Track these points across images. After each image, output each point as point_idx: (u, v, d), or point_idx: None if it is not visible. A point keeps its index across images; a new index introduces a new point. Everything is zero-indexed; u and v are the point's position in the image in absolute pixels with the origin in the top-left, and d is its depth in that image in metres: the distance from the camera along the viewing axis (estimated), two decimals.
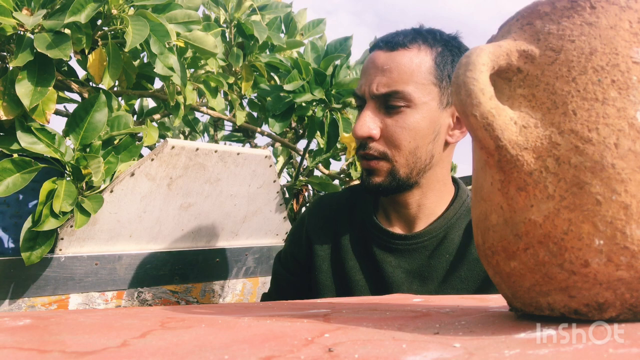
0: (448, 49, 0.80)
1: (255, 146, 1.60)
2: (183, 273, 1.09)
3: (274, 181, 1.16)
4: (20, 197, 0.89)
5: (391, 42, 0.79)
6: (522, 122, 0.32)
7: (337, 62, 1.26)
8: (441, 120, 0.79)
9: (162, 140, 1.06)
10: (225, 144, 1.62)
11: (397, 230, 0.85)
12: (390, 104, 0.77)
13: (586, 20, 0.32)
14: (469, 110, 0.31)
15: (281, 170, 1.51)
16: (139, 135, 1.13)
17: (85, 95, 1.00)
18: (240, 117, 1.28)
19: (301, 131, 1.45)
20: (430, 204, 0.83)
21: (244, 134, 1.63)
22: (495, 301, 0.51)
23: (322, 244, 0.90)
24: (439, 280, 0.80)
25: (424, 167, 0.79)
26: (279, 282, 0.98)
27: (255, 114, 1.46)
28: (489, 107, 0.31)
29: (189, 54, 1.12)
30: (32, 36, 0.82)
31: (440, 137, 0.79)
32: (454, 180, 0.88)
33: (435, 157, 0.80)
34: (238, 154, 1.04)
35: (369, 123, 0.77)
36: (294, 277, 0.94)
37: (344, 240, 0.88)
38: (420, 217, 0.83)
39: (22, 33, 0.83)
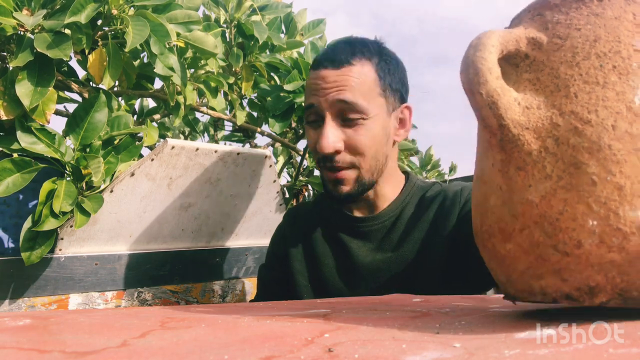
0: (383, 58, 0.89)
1: (255, 146, 1.60)
2: (183, 273, 1.09)
3: (274, 181, 1.16)
4: (20, 197, 0.89)
5: (335, 60, 0.85)
6: (526, 103, 0.33)
7: None
8: (389, 124, 0.89)
9: (162, 140, 1.06)
10: (225, 144, 1.62)
11: (359, 214, 0.94)
12: (347, 116, 0.84)
13: (593, 11, 0.33)
14: (475, 88, 0.32)
15: (281, 170, 1.51)
16: (139, 135, 1.13)
17: (85, 95, 1.00)
18: (241, 117, 1.28)
19: (301, 131, 1.45)
20: (385, 192, 0.93)
21: (244, 134, 1.63)
22: (495, 301, 0.51)
23: (296, 237, 1.00)
24: (394, 247, 0.90)
25: (381, 167, 0.90)
26: (263, 282, 1.05)
27: (255, 114, 1.45)
28: (494, 85, 0.32)
29: (189, 54, 1.12)
30: (32, 36, 0.82)
31: (390, 138, 0.90)
32: (404, 171, 0.99)
33: (388, 157, 0.90)
34: (238, 154, 1.04)
35: (333, 138, 0.84)
36: (279, 273, 1.01)
37: (315, 232, 0.98)
38: (377, 203, 0.93)
39: (22, 33, 0.83)
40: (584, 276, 0.31)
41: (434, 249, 0.87)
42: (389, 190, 0.93)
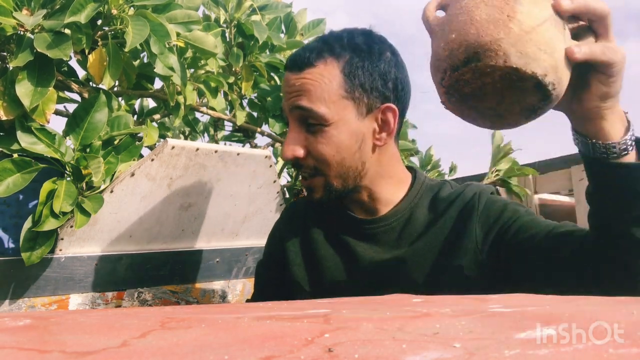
0: (357, 54, 0.81)
1: (255, 146, 1.60)
2: (183, 273, 1.09)
3: (274, 181, 1.16)
4: (20, 197, 0.89)
5: (298, 62, 0.81)
6: (440, 15, 0.64)
7: None
8: (363, 129, 0.82)
9: (162, 140, 1.06)
10: (225, 144, 1.62)
11: (363, 216, 0.89)
12: (308, 122, 0.81)
13: None
14: (424, 15, 0.65)
15: (281, 171, 1.51)
16: (139, 135, 1.13)
17: (85, 95, 1.00)
18: (241, 117, 1.28)
19: None
20: (384, 195, 0.88)
21: (244, 134, 1.63)
22: (496, 301, 0.51)
23: (294, 238, 0.94)
24: (405, 250, 0.84)
25: (357, 173, 0.84)
26: (260, 282, 1.01)
27: (255, 114, 1.46)
28: (430, 14, 0.65)
29: (189, 54, 1.12)
30: (32, 36, 0.82)
31: (366, 143, 0.83)
32: (410, 169, 0.94)
33: (367, 162, 0.84)
34: (238, 154, 1.04)
35: (292, 145, 0.82)
36: (275, 273, 0.96)
37: (314, 233, 0.92)
38: (378, 207, 0.88)
39: (22, 33, 0.83)
40: (487, 63, 0.58)
41: (456, 257, 0.81)
42: (390, 191, 0.88)
